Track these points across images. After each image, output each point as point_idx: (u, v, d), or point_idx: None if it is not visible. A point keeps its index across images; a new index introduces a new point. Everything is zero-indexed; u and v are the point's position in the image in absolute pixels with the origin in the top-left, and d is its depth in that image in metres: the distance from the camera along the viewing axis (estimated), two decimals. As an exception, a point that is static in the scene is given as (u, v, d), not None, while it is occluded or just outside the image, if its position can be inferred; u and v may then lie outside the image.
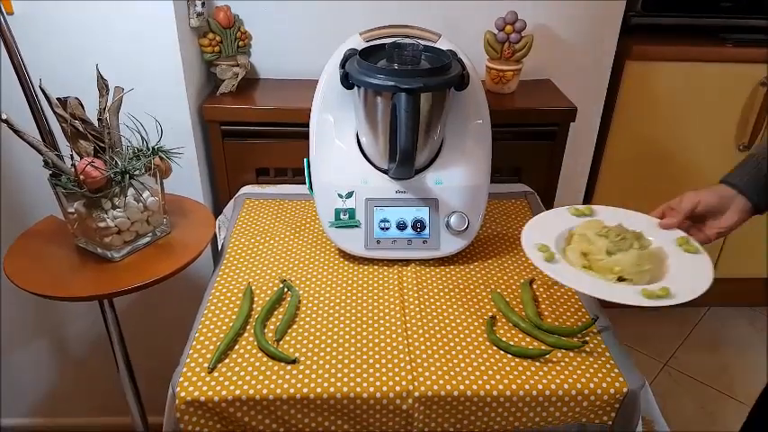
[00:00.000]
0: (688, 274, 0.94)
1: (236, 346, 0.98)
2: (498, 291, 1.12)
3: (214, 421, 0.92)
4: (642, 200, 2.06)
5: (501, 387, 0.92)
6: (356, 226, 1.18)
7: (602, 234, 0.98)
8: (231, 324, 1.01)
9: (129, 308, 1.53)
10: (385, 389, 0.91)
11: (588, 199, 1.92)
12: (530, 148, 1.49)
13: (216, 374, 0.93)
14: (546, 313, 1.08)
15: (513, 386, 0.92)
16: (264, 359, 0.96)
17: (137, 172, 1.05)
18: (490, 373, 0.95)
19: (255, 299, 1.08)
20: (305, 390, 0.91)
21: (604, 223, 1.02)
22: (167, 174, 1.15)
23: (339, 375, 0.93)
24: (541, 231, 1.03)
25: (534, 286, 1.15)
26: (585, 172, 1.78)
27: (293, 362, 0.95)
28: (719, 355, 2.18)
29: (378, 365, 0.95)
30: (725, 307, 2.40)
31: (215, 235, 1.37)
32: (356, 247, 1.18)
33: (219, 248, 1.26)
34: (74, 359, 1.67)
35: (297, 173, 1.44)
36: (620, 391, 0.93)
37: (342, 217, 1.18)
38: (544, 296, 1.12)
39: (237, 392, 0.90)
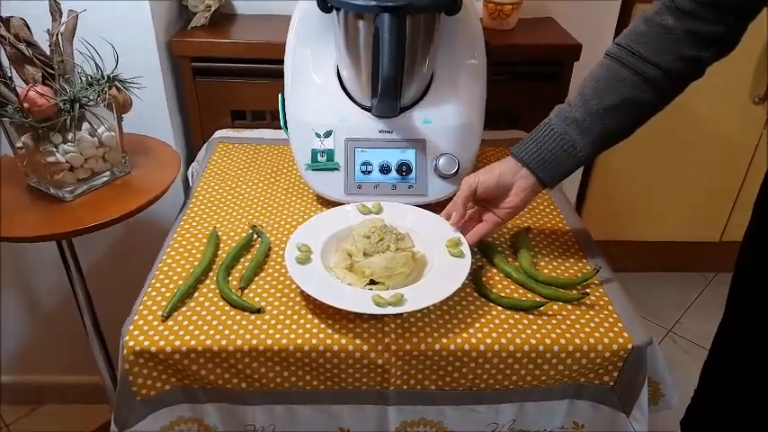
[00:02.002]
0: (438, 280, 0.86)
1: (196, 294, 0.88)
2: (489, 239, 1.02)
3: (168, 375, 0.83)
4: (645, 157, 1.99)
5: (489, 341, 0.82)
6: (335, 169, 1.07)
7: (367, 234, 0.91)
8: (192, 270, 0.91)
9: (96, 262, 1.43)
10: (358, 341, 0.82)
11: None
12: (529, 91, 1.37)
13: (170, 323, 0.83)
14: (542, 264, 0.98)
15: (503, 340, 0.82)
16: (226, 308, 0.86)
17: (89, 102, 0.94)
18: (477, 325, 0.85)
19: (222, 245, 0.98)
20: (269, 341, 0.81)
21: (383, 223, 0.94)
22: (126, 108, 1.05)
23: (308, 326, 0.83)
24: (319, 229, 0.95)
25: (531, 235, 1.04)
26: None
27: (258, 311, 0.85)
28: (727, 322, 2.08)
29: (351, 316, 0.85)
30: (731, 273, 2.29)
31: (188, 183, 1.27)
32: (335, 191, 1.07)
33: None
34: (44, 315, 1.58)
35: (276, 117, 1.32)
36: (623, 348, 0.83)
37: (319, 159, 1.07)
38: (541, 245, 1.02)
39: (193, 343, 0.80)
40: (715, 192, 2.00)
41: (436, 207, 1.07)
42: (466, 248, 0.92)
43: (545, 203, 1.13)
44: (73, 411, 1.72)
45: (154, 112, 1.26)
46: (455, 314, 0.87)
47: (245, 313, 0.85)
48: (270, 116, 1.37)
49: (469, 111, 1.09)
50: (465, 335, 0.83)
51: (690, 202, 2.03)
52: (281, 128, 1.11)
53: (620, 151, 1.83)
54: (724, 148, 1.90)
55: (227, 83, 1.32)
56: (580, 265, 0.98)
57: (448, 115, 1.08)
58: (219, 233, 1.00)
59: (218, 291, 0.88)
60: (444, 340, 0.82)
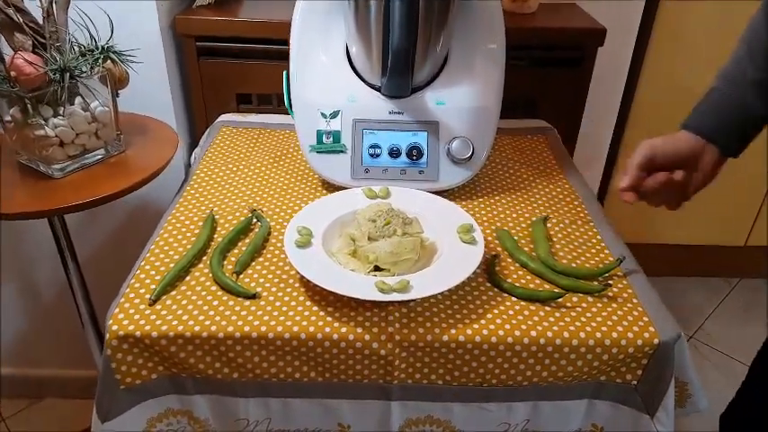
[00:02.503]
0: (447, 267, 0.80)
1: (188, 278, 0.83)
2: (504, 228, 0.95)
3: (154, 363, 0.77)
4: None
5: (501, 333, 0.75)
6: (341, 151, 1.01)
7: (372, 218, 0.85)
8: (184, 253, 0.85)
9: (94, 253, 1.38)
10: (360, 330, 0.75)
11: (617, 142, 1.73)
12: (550, 77, 1.30)
13: (159, 307, 0.78)
14: (561, 254, 0.91)
15: (517, 332, 0.76)
16: (219, 293, 0.80)
17: (82, 73, 0.89)
18: (489, 316, 0.78)
19: (218, 229, 0.92)
20: (263, 328, 0.75)
21: (390, 206, 0.88)
22: (123, 83, 0.99)
23: (306, 314, 0.77)
24: (322, 213, 0.89)
25: (549, 225, 0.97)
26: (614, 108, 1.57)
27: (253, 297, 0.79)
28: (750, 329, 1.99)
29: (352, 303, 0.79)
30: (756, 279, 2.20)
31: (188, 166, 1.21)
32: (341, 175, 1.01)
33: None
34: (43, 307, 1.53)
35: (283, 101, 1.26)
36: (649, 343, 0.76)
37: (325, 140, 1.01)
38: (560, 236, 0.95)
39: (181, 328, 0.74)
40: (741, 194, 1.92)
41: (449, 195, 1.00)
42: (479, 235, 0.85)
43: (565, 192, 1.06)
44: (73, 406, 1.67)
45: (155, 93, 1.21)
46: (465, 304, 0.80)
47: (239, 299, 0.79)
48: (276, 100, 1.31)
49: (486, 92, 1.03)
50: (476, 326, 0.76)
51: (714, 205, 1.94)
52: (287, 113, 1.05)
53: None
54: (750, 148, 1.82)
55: (232, 64, 1.26)
56: (602, 255, 0.91)
57: (463, 96, 1.02)
58: (217, 216, 0.95)
59: (211, 275, 0.82)
60: (453, 331, 0.76)
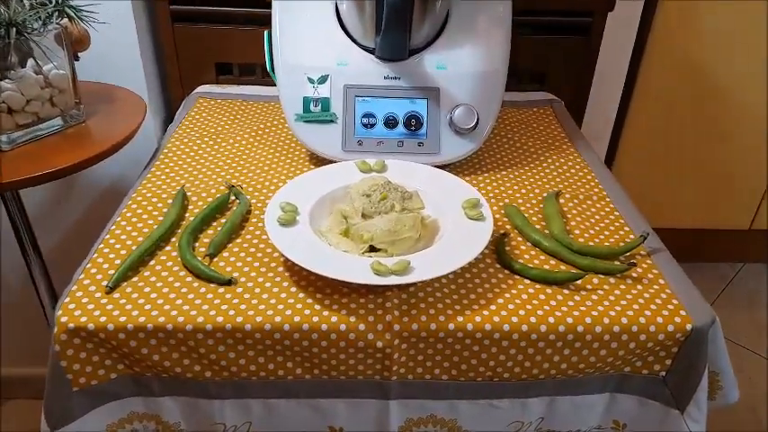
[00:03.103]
0: (452, 246, 0.70)
1: (152, 262, 0.72)
2: (513, 204, 0.85)
3: (113, 360, 0.66)
4: (670, 138, 1.83)
5: (515, 320, 0.65)
6: (331, 121, 0.90)
7: (367, 193, 0.75)
8: (149, 233, 0.74)
9: (59, 245, 1.26)
10: (353, 319, 0.65)
11: (621, 117, 1.63)
12: (556, 46, 1.21)
13: (117, 296, 0.67)
14: (577, 232, 0.81)
15: (533, 319, 0.66)
16: (189, 279, 0.70)
17: (33, 30, 0.78)
18: (500, 301, 0.68)
19: (191, 207, 0.81)
20: (239, 319, 0.64)
21: (387, 180, 0.78)
22: (84, 44, 0.89)
23: (291, 301, 0.67)
24: (309, 188, 0.79)
25: (561, 201, 0.87)
26: (620, 80, 1.47)
27: (228, 283, 0.68)
28: (756, 315, 1.91)
29: (344, 289, 0.68)
30: (760, 263, 2.12)
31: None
32: (330, 148, 0.91)
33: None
34: (9, 303, 1.41)
35: (268, 73, 1.15)
36: (681, 329, 0.66)
37: (312, 108, 0.90)
38: (575, 212, 0.85)
39: (142, 320, 0.64)
40: (744, 176, 1.83)
41: (451, 169, 0.90)
42: (487, 210, 0.75)
43: (577, 166, 0.96)
44: (39, 407, 1.55)
45: (124, 62, 1.10)
46: (473, 288, 0.70)
47: (212, 285, 0.69)
48: (261, 71, 1.21)
49: (491, 55, 0.93)
50: (486, 312, 0.66)
51: (717, 188, 1.85)
52: (273, 84, 0.94)
53: (644, 133, 1.69)
54: (754, 129, 1.74)
55: (210, 30, 1.15)
56: (621, 233, 0.81)
57: (466, 60, 0.92)
58: (189, 193, 0.84)
59: (179, 258, 0.72)
60: (460, 318, 0.65)
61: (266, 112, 1.08)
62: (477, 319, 0.65)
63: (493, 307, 0.67)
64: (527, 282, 0.71)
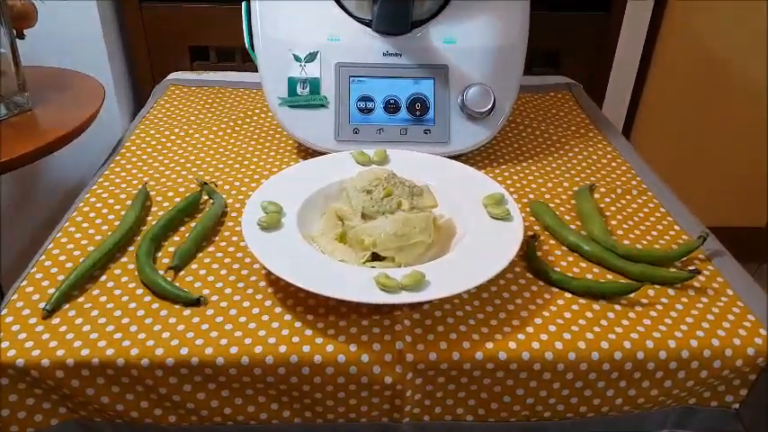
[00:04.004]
0: (474, 253, 0.57)
1: (104, 277, 0.58)
2: (540, 200, 0.71)
3: (53, 403, 0.53)
4: (684, 131, 1.71)
5: (559, 346, 0.52)
6: (321, 105, 0.77)
7: (367, 188, 0.62)
8: (103, 241, 0.60)
9: (17, 252, 1.11)
10: (354, 348, 0.51)
11: (635, 101, 1.50)
12: (573, 24, 1.09)
13: (57, 321, 0.53)
14: (620, 232, 0.67)
15: (581, 344, 0.52)
16: (147, 299, 0.56)
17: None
18: (537, 321, 0.54)
19: (154, 208, 0.67)
20: (208, 350, 0.50)
21: (392, 173, 0.65)
22: (29, 20, 0.76)
23: (275, 326, 0.53)
24: (296, 184, 0.65)
25: (597, 196, 0.73)
26: (634, 63, 1.34)
27: (196, 303, 0.54)
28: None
29: (343, 309, 0.54)
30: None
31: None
32: (321, 138, 0.78)
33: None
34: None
35: (249, 58, 1.01)
36: (763, 352, 0.52)
37: (299, 91, 0.76)
38: (613, 208, 0.71)
39: (86, 353, 0.50)
40: (762, 171, 1.71)
41: (462, 161, 0.77)
42: (514, 208, 0.61)
43: (609, 156, 0.83)
44: None
45: (85, 46, 0.97)
46: (502, 304, 0.56)
47: (177, 307, 0.55)
48: (241, 55, 1.07)
49: (509, 27, 0.80)
50: (521, 336, 0.53)
51: (733, 183, 1.73)
52: (255, 69, 0.80)
53: (657, 126, 1.56)
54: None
55: (183, 9, 1.02)
56: (672, 233, 0.68)
57: (478, 32, 0.79)
58: (153, 192, 0.70)
59: (136, 272, 0.57)
60: (489, 345, 0.52)
61: (247, 100, 0.95)
62: (512, 345, 0.52)
63: (530, 329, 0.53)
64: (568, 296, 0.58)
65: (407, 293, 0.51)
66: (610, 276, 0.61)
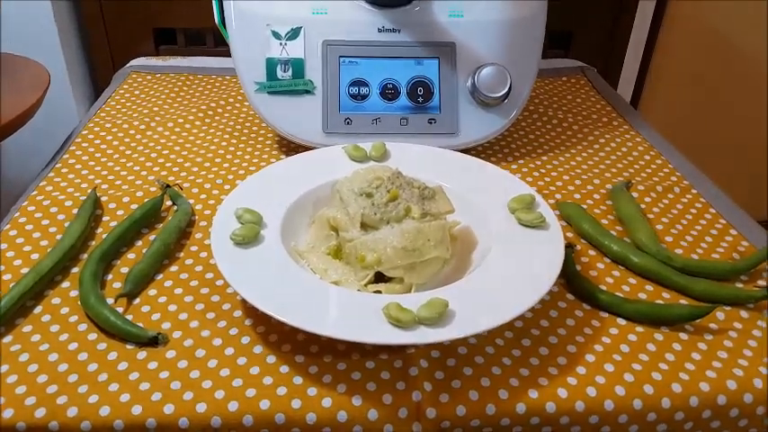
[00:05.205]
0: (506, 272, 0.45)
1: (38, 309, 0.46)
2: (570, 202, 0.60)
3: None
4: (695, 119, 1.62)
5: (621, 391, 0.40)
6: (306, 91, 0.65)
7: (367, 190, 0.49)
8: (39, 261, 0.48)
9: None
10: (358, 401, 0.39)
11: (639, 88, 1.40)
12: (584, 3, 0.96)
13: (-32, 372, 0.40)
14: (669, 239, 0.56)
15: (647, 388, 0.40)
16: (92, 336, 0.43)
17: None
18: (589, 359, 0.43)
19: (105, 218, 0.55)
20: (168, 408, 0.38)
21: (394, 171, 0.53)
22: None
23: (255, 372, 0.41)
24: (278, 186, 0.54)
25: (635, 194, 0.62)
26: (639, 46, 1.25)
27: (153, 342, 0.42)
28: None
29: (341, 347, 0.43)
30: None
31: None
32: (307, 129, 0.66)
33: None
34: None
35: (223, 40, 0.87)
36: None
37: (280, 75, 0.64)
38: (656, 210, 0.60)
39: (9, 414, 0.38)
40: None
41: (473, 155, 0.65)
42: (548, 211, 0.50)
43: (640, 148, 0.72)
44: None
45: (33, 27, 0.84)
46: (542, 336, 0.45)
47: (129, 347, 0.42)
48: (213, 38, 0.95)
49: (524, -3, 0.68)
50: (571, 380, 0.41)
51: (745, 176, 1.65)
52: (227, 54, 0.68)
53: (660, 114, 1.47)
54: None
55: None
56: (729, 239, 0.57)
57: (490, 3, 0.66)
58: (104, 198, 0.57)
59: (79, 301, 0.45)
60: (533, 394, 0.40)
61: (220, 88, 0.83)
62: (562, 393, 0.40)
63: (581, 370, 0.42)
64: (621, 322, 0.47)
65: (428, 329, 0.39)
66: (666, 295, 0.50)
